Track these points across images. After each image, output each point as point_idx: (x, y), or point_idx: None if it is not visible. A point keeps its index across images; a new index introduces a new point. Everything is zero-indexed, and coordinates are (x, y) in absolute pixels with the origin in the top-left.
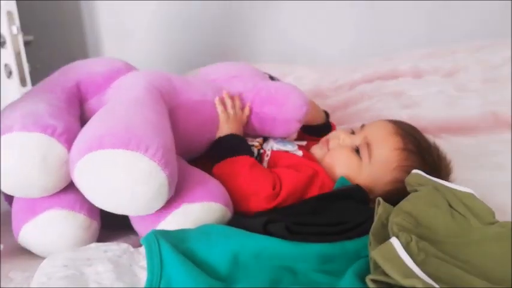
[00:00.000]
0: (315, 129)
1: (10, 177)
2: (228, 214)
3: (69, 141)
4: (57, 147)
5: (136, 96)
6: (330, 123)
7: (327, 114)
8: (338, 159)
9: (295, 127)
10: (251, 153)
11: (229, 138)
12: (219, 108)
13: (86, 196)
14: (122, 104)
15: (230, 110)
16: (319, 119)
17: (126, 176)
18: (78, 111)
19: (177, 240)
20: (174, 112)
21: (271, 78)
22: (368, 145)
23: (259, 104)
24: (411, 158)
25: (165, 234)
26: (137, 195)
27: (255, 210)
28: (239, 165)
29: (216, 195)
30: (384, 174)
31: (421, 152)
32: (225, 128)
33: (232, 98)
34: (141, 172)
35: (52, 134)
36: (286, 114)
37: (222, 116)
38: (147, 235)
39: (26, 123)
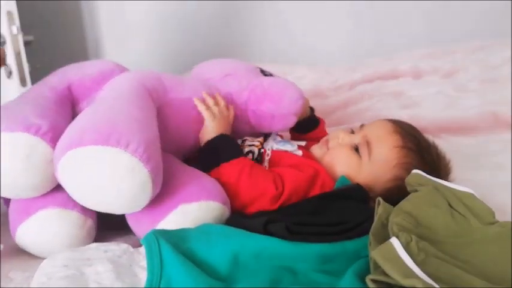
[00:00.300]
0: (301, 125)
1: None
2: (226, 212)
3: (54, 140)
4: (41, 146)
5: (121, 93)
6: (315, 117)
7: (311, 109)
8: (338, 158)
9: (292, 121)
10: (244, 154)
11: (219, 140)
12: (200, 107)
13: (69, 193)
14: (106, 101)
15: (214, 108)
16: (306, 113)
17: (107, 172)
18: (71, 113)
19: (177, 240)
20: (163, 110)
21: (263, 72)
22: (368, 143)
23: (256, 102)
24: (411, 156)
25: (165, 234)
26: (121, 192)
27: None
28: (237, 169)
29: (213, 194)
30: (384, 172)
31: (421, 150)
32: (211, 127)
33: (213, 96)
34: (122, 168)
35: (36, 133)
36: (284, 110)
37: (206, 114)
38: (147, 235)
39: (9, 123)
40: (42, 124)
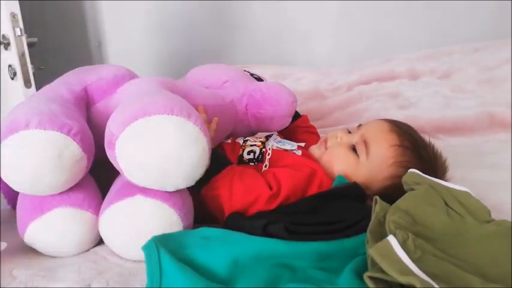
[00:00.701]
0: None
1: (23, 173)
2: (179, 221)
3: (83, 141)
4: (72, 146)
5: (150, 87)
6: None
7: None
8: (336, 157)
9: (288, 121)
10: (228, 162)
11: None
12: None
13: (126, 167)
14: (146, 90)
15: None
16: None
17: (172, 140)
18: (86, 114)
19: (177, 246)
20: None
21: (252, 75)
22: (365, 143)
23: (256, 106)
24: (407, 154)
25: (165, 240)
26: (182, 161)
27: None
28: (228, 180)
29: (172, 200)
30: (381, 171)
31: (417, 149)
32: None
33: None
34: (187, 136)
35: (68, 133)
36: (282, 112)
37: None
38: (147, 243)
39: (42, 121)
40: (73, 125)
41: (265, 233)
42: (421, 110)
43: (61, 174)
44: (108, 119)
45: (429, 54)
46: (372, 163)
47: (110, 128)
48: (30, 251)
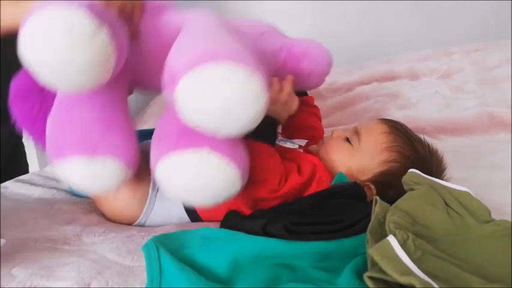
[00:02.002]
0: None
1: (43, 54)
2: (238, 181)
3: (92, 9)
4: (79, 17)
5: (223, 27)
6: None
7: None
8: (331, 146)
9: (323, 82)
10: (273, 141)
11: (273, 124)
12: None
13: (183, 110)
14: (213, 30)
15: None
16: None
17: (237, 90)
18: None
19: (177, 246)
20: None
21: None
22: (357, 133)
23: (295, 60)
24: (399, 140)
25: (165, 240)
26: (246, 114)
27: (257, 197)
28: (268, 152)
29: (240, 161)
30: (376, 155)
31: (409, 137)
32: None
33: (280, 83)
34: (253, 90)
35: (71, 5)
36: (321, 69)
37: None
38: (147, 243)
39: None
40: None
41: (265, 232)
42: (421, 110)
43: (81, 52)
44: (157, 43)
45: (429, 54)
46: (365, 149)
47: (172, 64)
48: (30, 250)
